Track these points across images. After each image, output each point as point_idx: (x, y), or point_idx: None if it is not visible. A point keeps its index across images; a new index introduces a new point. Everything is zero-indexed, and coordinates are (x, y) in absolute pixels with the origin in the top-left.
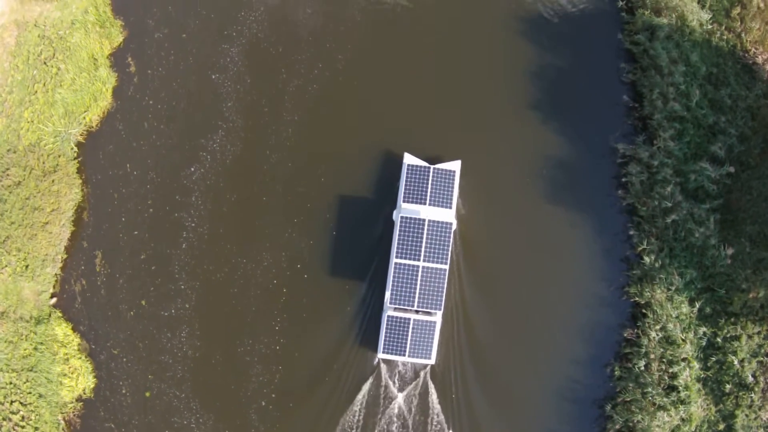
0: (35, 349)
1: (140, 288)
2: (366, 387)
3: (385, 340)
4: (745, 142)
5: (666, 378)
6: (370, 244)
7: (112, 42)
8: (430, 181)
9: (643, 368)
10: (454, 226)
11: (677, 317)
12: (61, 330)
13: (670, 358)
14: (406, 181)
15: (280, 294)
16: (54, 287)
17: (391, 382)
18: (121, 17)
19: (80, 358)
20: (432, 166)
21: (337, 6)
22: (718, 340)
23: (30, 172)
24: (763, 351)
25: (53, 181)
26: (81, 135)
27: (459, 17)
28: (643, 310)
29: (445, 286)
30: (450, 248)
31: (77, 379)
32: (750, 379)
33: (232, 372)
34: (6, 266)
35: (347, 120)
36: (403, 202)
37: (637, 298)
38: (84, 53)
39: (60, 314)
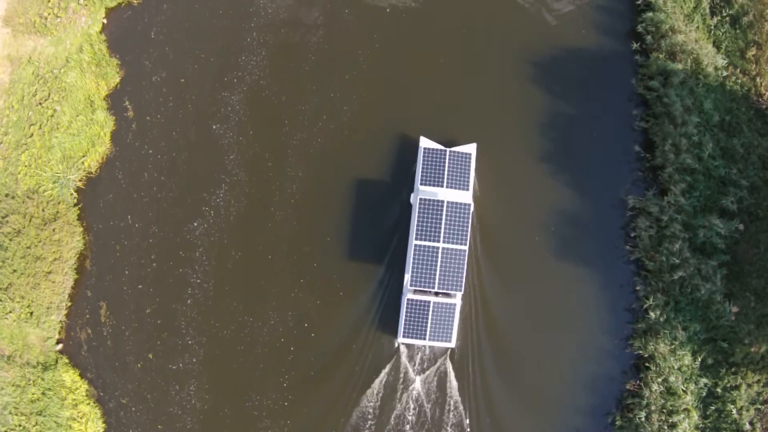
0: (43, 394)
1: (147, 341)
2: (385, 371)
3: (405, 324)
4: (756, 193)
5: (666, 428)
6: (387, 230)
7: (108, 83)
8: (446, 164)
9: (643, 419)
10: (472, 208)
11: (679, 369)
12: (69, 377)
13: (671, 408)
14: (423, 164)
15: (287, 353)
16: (59, 333)
17: (409, 366)
18: (117, 55)
19: (89, 404)
20: (448, 149)
21: (342, 52)
22: (718, 389)
23: (30, 220)
24: (761, 398)
25: (54, 230)
26: (80, 181)
27: (471, 53)
28: (647, 363)
29: (465, 267)
30: (469, 229)
31: (86, 423)
32: (747, 426)
33: (242, 424)
34: (10, 312)
35: (356, 160)
36: (421, 185)
37: (640, 351)
38: (80, 94)
39: (67, 360)
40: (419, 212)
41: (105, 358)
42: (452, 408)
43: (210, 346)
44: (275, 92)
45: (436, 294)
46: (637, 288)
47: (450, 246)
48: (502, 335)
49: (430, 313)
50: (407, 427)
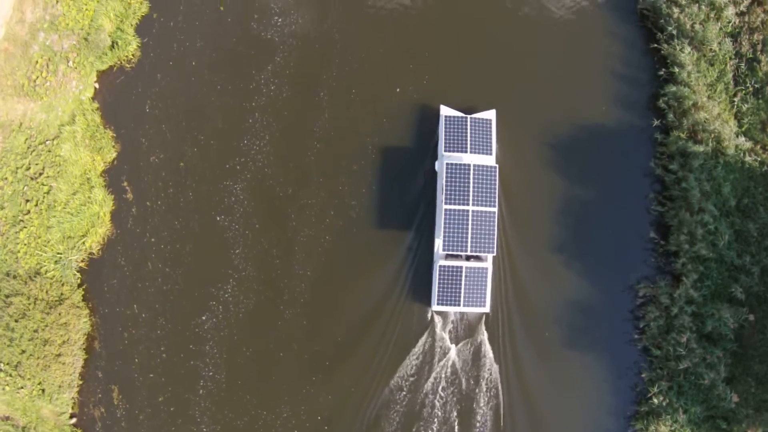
0: None
1: (161, 427)
2: (421, 341)
3: (438, 292)
4: (766, 277)
5: None
6: (413, 200)
7: (104, 157)
8: (468, 130)
9: None
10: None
11: None
12: None
13: None
14: (446, 131)
15: None
16: (73, 408)
17: (445, 335)
18: (111, 127)
19: None
20: (469, 116)
21: (349, 140)
22: None
23: (34, 302)
24: None
25: (60, 313)
26: (82, 261)
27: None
28: None
29: (496, 228)
30: (497, 191)
31: None
32: None
33: None
34: (21, 388)
35: (364, 261)
36: (445, 151)
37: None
38: (75, 169)
39: None
40: (447, 177)
41: None
42: (487, 376)
43: None
44: (280, 183)
45: (467, 259)
46: (643, 375)
47: (480, 208)
48: (529, 297)
49: (463, 278)
50: (441, 394)
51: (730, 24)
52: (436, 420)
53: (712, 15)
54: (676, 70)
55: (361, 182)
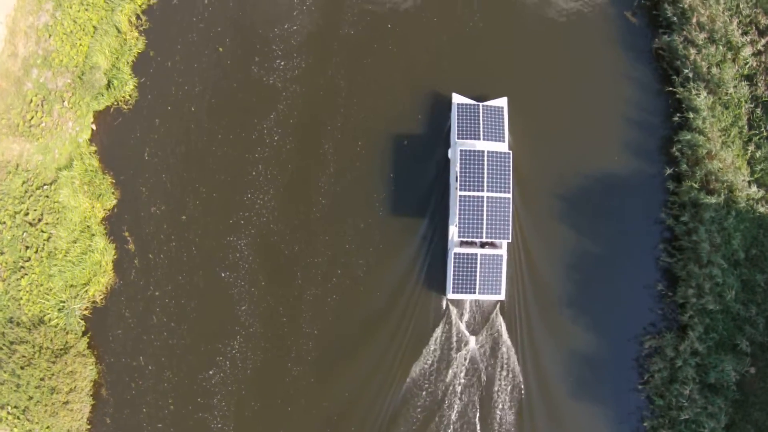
0: None
1: None
2: (437, 332)
3: (453, 280)
4: None
5: None
6: (426, 190)
7: (104, 204)
8: (481, 118)
9: None
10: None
11: None
12: None
13: None
14: (458, 118)
15: None
16: None
17: (461, 324)
18: (110, 172)
19: None
20: (481, 104)
21: (356, 194)
22: None
23: (39, 350)
24: None
25: (66, 362)
26: (86, 310)
27: None
28: None
29: (511, 214)
30: (511, 177)
31: None
32: None
33: None
34: (30, 431)
35: (372, 302)
36: (458, 138)
37: None
38: (75, 216)
39: None
40: (461, 163)
41: None
42: (506, 362)
43: None
44: (286, 240)
45: (482, 246)
46: (645, 423)
47: (494, 194)
48: (545, 282)
49: (478, 265)
50: (459, 383)
51: (747, 66)
52: (455, 408)
53: (729, 56)
54: (692, 115)
55: (368, 241)
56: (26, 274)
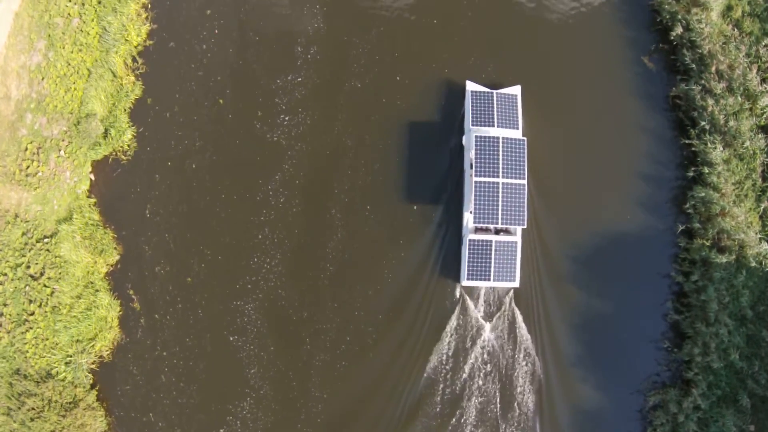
0: None
1: None
2: (452, 321)
3: (468, 267)
4: None
5: None
6: (440, 179)
7: (106, 259)
8: (495, 105)
9: None
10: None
11: None
12: None
13: None
14: (472, 106)
15: None
16: None
17: (476, 312)
18: (111, 226)
19: None
20: (495, 91)
21: (362, 264)
22: None
23: (49, 404)
24: None
25: (76, 416)
26: (93, 364)
27: None
28: None
29: (526, 201)
30: (526, 163)
31: None
32: None
33: None
34: None
35: (378, 376)
36: (472, 125)
37: None
38: (77, 271)
39: None
40: (476, 150)
41: None
42: (523, 350)
43: None
44: (294, 306)
45: (497, 233)
46: None
47: (509, 181)
48: (560, 268)
49: (493, 252)
50: (479, 370)
51: (765, 116)
52: (475, 396)
53: (746, 105)
54: (706, 170)
55: (377, 308)
56: (31, 328)
